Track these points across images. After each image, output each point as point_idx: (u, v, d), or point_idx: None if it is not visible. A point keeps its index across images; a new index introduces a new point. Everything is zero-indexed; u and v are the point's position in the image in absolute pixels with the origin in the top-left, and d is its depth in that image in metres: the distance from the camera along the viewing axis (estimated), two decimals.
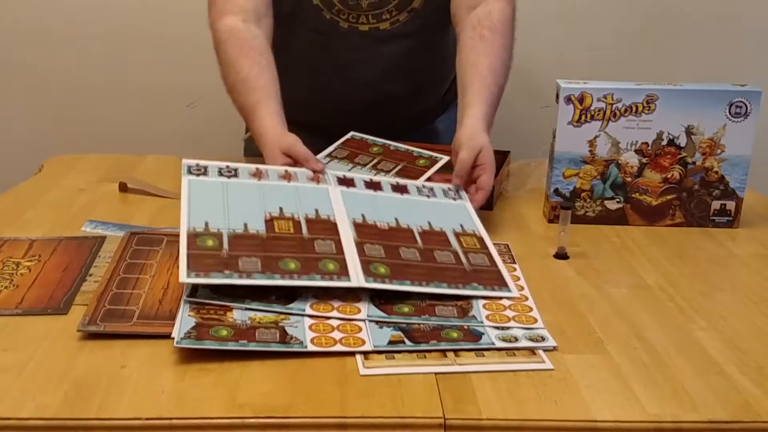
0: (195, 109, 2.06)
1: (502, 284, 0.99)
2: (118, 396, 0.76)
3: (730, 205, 1.23)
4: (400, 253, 0.99)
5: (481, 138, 1.18)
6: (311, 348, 0.84)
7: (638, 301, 0.99)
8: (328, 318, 0.90)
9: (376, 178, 1.17)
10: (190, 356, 0.82)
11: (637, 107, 1.19)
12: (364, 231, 1.02)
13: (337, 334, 0.87)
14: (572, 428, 0.75)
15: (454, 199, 1.15)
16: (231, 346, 0.82)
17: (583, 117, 1.19)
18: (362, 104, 1.45)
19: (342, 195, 1.09)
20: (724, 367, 0.84)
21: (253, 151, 1.43)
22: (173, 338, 0.83)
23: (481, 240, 1.07)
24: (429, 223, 1.07)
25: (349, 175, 1.15)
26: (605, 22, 2.00)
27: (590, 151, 1.20)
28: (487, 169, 1.17)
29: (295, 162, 1.18)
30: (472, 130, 1.19)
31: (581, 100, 1.19)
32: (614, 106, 1.19)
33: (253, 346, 0.83)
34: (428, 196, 1.14)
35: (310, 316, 0.89)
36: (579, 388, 0.79)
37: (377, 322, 0.90)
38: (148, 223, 1.18)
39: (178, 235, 1.08)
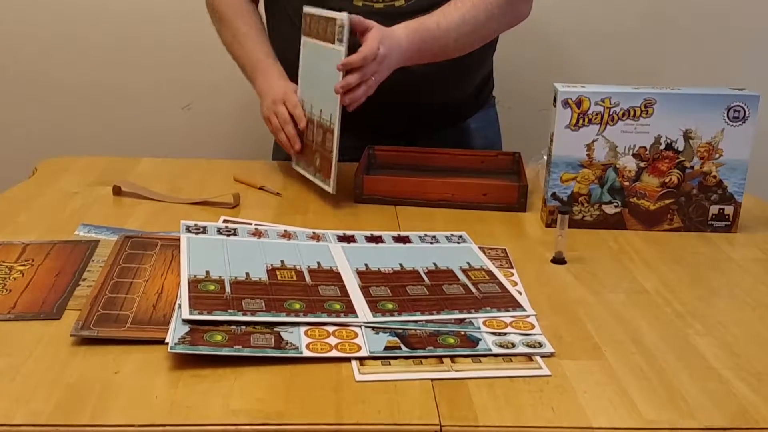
0: (190, 112, 2.05)
1: (517, 306, 0.96)
2: (111, 402, 0.75)
3: (728, 209, 1.22)
4: (407, 291, 0.98)
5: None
6: (306, 354, 0.83)
7: (636, 306, 0.98)
8: (324, 324, 0.89)
9: (377, 233, 1.16)
10: (184, 362, 0.81)
11: (634, 111, 1.18)
12: (368, 277, 1.01)
13: (332, 340, 0.86)
14: None
15: (458, 243, 1.14)
16: (225, 352, 0.82)
17: (580, 121, 1.19)
18: (383, 89, 1.38)
19: (343, 250, 1.09)
20: (721, 372, 0.84)
21: (281, 152, 1.43)
22: (167, 343, 0.83)
23: (489, 272, 1.05)
24: (435, 264, 1.06)
25: (349, 232, 1.15)
26: (603, 25, 2.00)
27: (588, 155, 1.20)
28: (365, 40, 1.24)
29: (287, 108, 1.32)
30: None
31: (579, 103, 1.18)
32: (612, 110, 1.18)
33: (247, 352, 0.82)
34: (431, 243, 1.13)
35: (306, 323, 0.89)
36: (576, 394, 0.79)
37: (373, 328, 0.89)
38: (141, 226, 1.17)
39: (172, 239, 1.09)
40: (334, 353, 0.84)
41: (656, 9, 1.99)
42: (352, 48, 1.23)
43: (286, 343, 0.84)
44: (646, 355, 0.87)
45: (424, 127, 1.50)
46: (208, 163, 1.50)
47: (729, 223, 1.23)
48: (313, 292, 0.95)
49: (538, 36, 1.92)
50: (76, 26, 1.97)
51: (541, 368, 0.83)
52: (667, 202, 1.22)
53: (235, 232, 1.11)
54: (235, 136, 2.03)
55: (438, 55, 1.35)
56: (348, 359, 0.83)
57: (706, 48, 2.01)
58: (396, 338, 0.87)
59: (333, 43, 1.25)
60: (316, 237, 1.12)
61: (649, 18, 2.00)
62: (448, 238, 1.15)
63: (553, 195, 1.22)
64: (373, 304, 0.93)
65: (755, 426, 0.75)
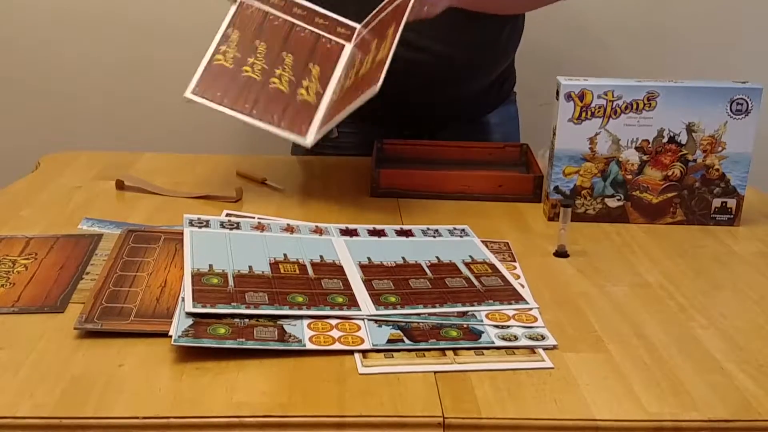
0: (193, 106, 2.04)
1: (519, 298, 0.96)
2: (115, 395, 0.75)
3: (731, 202, 1.22)
4: (410, 284, 0.98)
5: None
6: (310, 346, 0.83)
7: (638, 299, 0.98)
8: (327, 317, 0.89)
9: (380, 227, 1.16)
10: (188, 354, 0.81)
11: (637, 104, 1.18)
12: (371, 270, 1.01)
13: (335, 333, 0.86)
14: (572, 427, 0.74)
15: (461, 236, 1.14)
16: (229, 345, 0.82)
17: (583, 114, 1.19)
18: (401, 68, 1.32)
19: (346, 243, 1.09)
20: (724, 365, 0.84)
21: (301, 147, 1.42)
22: (171, 336, 0.83)
23: (492, 266, 1.05)
24: (437, 257, 1.06)
25: (351, 226, 1.15)
26: (606, 18, 1.99)
27: (591, 148, 1.20)
28: None
29: None
30: None
31: (581, 97, 1.18)
32: (615, 103, 1.18)
33: (251, 345, 0.82)
34: (434, 236, 1.13)
35: (309, 316, 0.89)
36: (579, 387, 0.79)
37: (376, 321, 0.89)
38: (145, 220, 1.17)
39: (175, 233, 1.09)
40: (337, 346, 0.84)
41: (659, 3, 1.99)
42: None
43: (289, 336, 0.85)
44: (648, 347, 0.87)
45: (444, 121, 1.50)
46: (210, 157, 1.50)
47: (732, 216, 1.23)
48: (316, 285, 0.96)
49: (539, 30, 1.92)
50: (78, 22, 1.97)
51: (543, 361, 0.83)
52: (669, 195, 1.22)
53: (238, 226, 1.11)
54: (238, 130, 2.03)
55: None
56: (351, 352, 0.83)
57: (710, 41, 2.01)
58: (399, 331, 0.87)
59: None
60: (318, 231, 1.13)
61: (651, 11, 1.99)
62: (451, 232, 1.15)
63: (556, 188, 1.22)
64: (376, 298, 0.94)
65: (758, 418, 0.75)
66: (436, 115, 1.50)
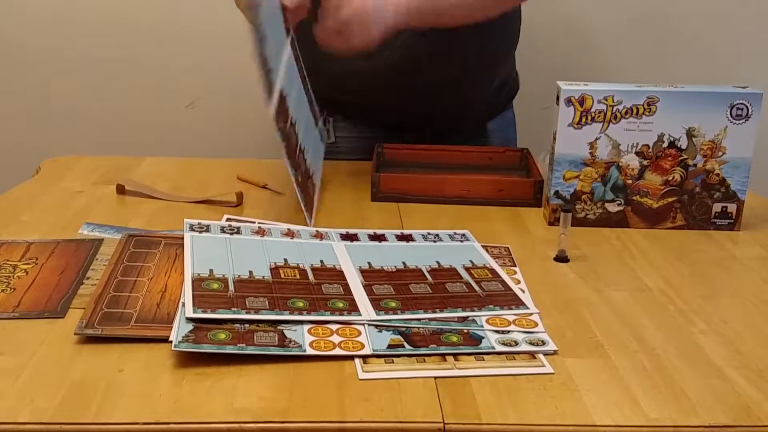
0: (193, 111, 2.05)
1: (520, 303, 0.96)
2: (115, 400, 0.75)
3: (731, 207, 1.22)
4: (410, 289, 0.98)
5: None
6: (310, 352, 0.83)
7: (639, 304, 0.98)
8: (327, 322, 0.89)
9: (380, 231, 1.16)
10: (188, 360, 0.81)
11: (637, 109, 1.18)
12: (371, 275, 1.01)
13: (336, 338, 0.86)
14: None
15: (461, 241, 1.14)
16: (229, 350, 0.82)
17: (583, 119, 1.19)
18: (398, 69, 1.33)
19: (346, 248, 1.09)
20: (724, 370, 0.84)
21: None
22: (171, 342, 0.83)
23: (492, 271, 1.05)
24: (438, 262, 1.06)
25: (352, 231, 1.15)
26: (605, 23, 1.99)
27: (591, 153, 1.20)
28: None
29: None
30: None
31: (582, 101, 1.18)
32: (615, 108, 1.18)
33: (251, 350, 0.82)
34: (434, 241, 1.14)
35: (309, 321, 0.89)
36: (579, 392, 0.79)
37: (376, 326, 0.89)
38: (145, 225, 1.17)
39: (175, 238, 1.09)
40: (337, 351, 0.84)
41: (658, 7, 1.99)
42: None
43: (290, 342, 0.85)
44: (649, 353, 0.87)
45: (447, 128, 1.50)
46: (211, 162, 1.51)
47: (732, 221, 1.23)
48: (317, 290, 0.96)
49: (539, 34, 1.92)
50: (80, 26, 1.98)
51: (544, 366, 0.83)
52: (670, 200, 1.22)
53: (238, 231, 1.11)
54: (239, 134, 2.03)
55: (438, 15, 1.26)
56: (351, 357, 0.83)
57: (710, 46, 2.01)
58: (399, 336, 0.87)
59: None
60: (319, 235, 1.13)
61: (651, 16, 1.99)
62: (451, 237, 1.15)
63: (556, 193, 1.22)
64: (377, 303, 0.94)
65: (758, 423, 0.75)
66: (439, 121, 1.50)
